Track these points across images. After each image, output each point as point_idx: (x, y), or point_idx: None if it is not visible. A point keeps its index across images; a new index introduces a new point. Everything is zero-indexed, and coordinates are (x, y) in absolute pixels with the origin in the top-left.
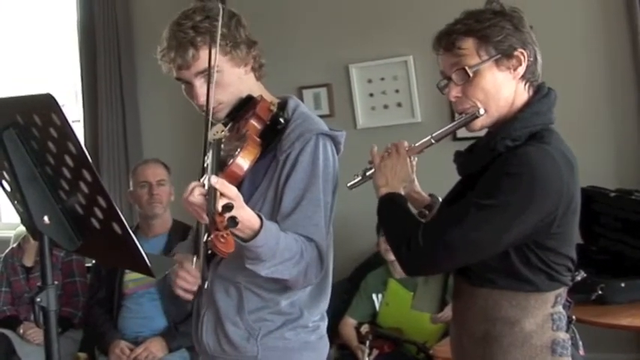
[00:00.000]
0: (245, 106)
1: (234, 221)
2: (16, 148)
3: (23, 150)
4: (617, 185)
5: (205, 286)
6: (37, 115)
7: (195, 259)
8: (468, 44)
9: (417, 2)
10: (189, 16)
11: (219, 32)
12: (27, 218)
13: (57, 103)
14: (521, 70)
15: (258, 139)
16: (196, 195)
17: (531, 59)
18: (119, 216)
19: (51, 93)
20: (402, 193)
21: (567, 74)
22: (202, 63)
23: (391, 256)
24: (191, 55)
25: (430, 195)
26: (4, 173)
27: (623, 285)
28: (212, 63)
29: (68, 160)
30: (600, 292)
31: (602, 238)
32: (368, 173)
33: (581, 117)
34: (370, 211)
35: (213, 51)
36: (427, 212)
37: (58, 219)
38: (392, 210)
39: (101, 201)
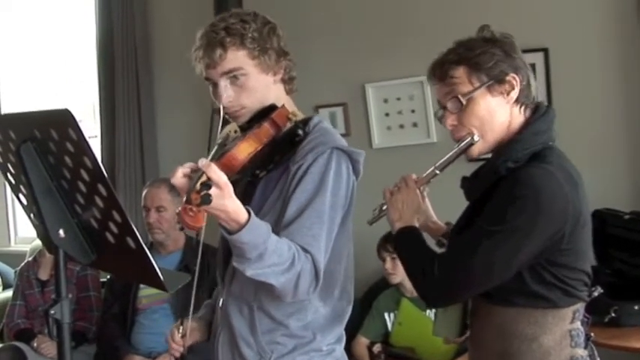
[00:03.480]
0: (266, 113)
1: (208, 198)
2: (34, 161)
3: (40, 164)
4: (632, 207)
5: (219, 303)
6: (55, 129)
7: (182, 327)
8: (460, 73)
9: (433, 23)
10: (224, 18)
11: (249, 35)
12: (43, 231)
13: (74, 119)
14: (514, 94)
15: (263, 139)
16: (179, 177)
17: (524, 83)
18: (133, 231)
19: (68, 108)
20: (417, 225)
21: (581, 96)
22: (228, 63)
23: (395, 280)
24: (218, 54)
25: (447, 223)
26: (22, 187)
27: (636, 308)
28: (235, 64)
29: (84, 174)
30: (614, 315)
31: (615, 260)
32: (384, 208)
33: (596, 139)
34: (381, 232)
35: (239, 52)
36: (445, 241)
37: (73, 233)
38: (407, 244)
39: (116, 216)
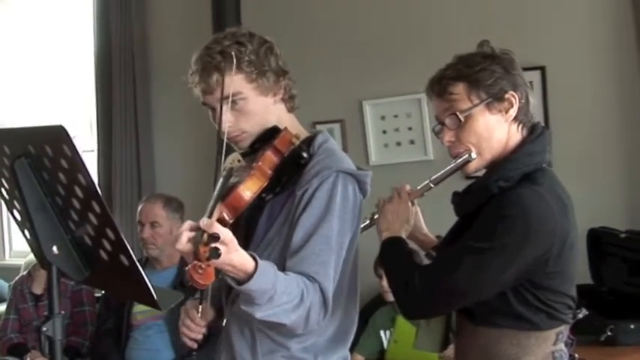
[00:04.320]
0: (269, 137)
1: (216, 252)
2: (27, 177)
3: (34, 180)
4: (628, 226)
5: (223, 323)
6: (49, 145)
7: (201, 307)
8: (459, 89)
9: (432, 40)
10: (219, 40)
11: (245, 58)
12: (36, 247)
13: (68, 135)
14: (513, 112)
15: (268, 171)
16: (184, 242)
17: (523, 101)
18: (127, 249)
19: (63, 125)
20: (404, 236)
21: (578, 114)
22: (226, 88)
23: (391, 297)
24: (215, 79)
25: (437, 236)
26: (15, 202)
27: (632, 327)
28: (232, 90)
29: (78, 191)
30: (610, 334)
31: (611, 279)
32: (375, 217)
33: (592, 157)
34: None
35: (235, 77)
36: (434, 253)
37: (66, 249)
38: (391, 254)
39: (109, 233)
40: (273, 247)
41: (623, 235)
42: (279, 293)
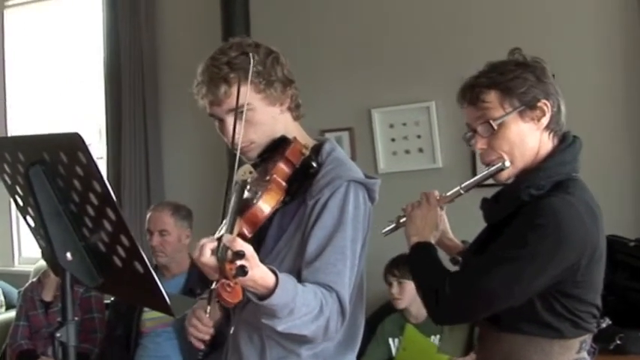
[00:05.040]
0: (278, 147)
1: (243, 270)
2: (42, 184)
3: (49, 186)
4: (638, 235)
5: (230, 331)
6: (64, 153)
7: (209, 307)
8: (492, 97)
9: (440, 48)
10: (225, 51)
11: (252, 69)
12: (49, 254)
13: (84, 142)
14: (545, 120)
15: (283, 184)
16: (207, 255)
17: (555, 109)
18: (141, 255)
19: (78, 132)
20: (433, 241)
21: (589, 122)
22: (234, 100)
23: (400, 305)
24: (223, 91)
25: (463, 241)
26: (29, 209)
27: None
28: (242, 101)
29: (93, 198)
30: (619, 342)
31: (621, 287)
32: (401, 220)
33: (603, 165)
34: (386, 255)
35: (243, 89)
36: (459, 259)
37: (80, 256)
38: (421, 259)
39: (124, 240)
40: (284, 257)
41: (632, 244)
42: (299, 306)
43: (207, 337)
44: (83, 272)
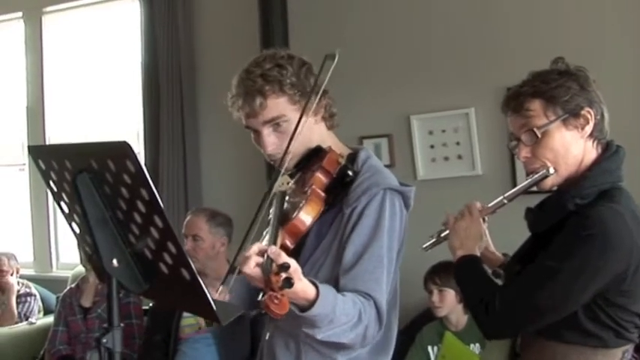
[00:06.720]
0: (314, 156)
1: (289, 282)
2: (89, 191)
3: (96, 194)
4: None
5: (266, 337)
6: (112, 161)
7: (221, 287)
8: (536, 105)
9: (480, 55)
10: (259, 63)
11: (287, 81)
12: (96, 261)
13: (132, 151)
14: (589, 128)
15: (322, 194)
16: (251, 266)
17: (598, 117)
18: (188, 262)
19: (126, 141)
20: (478, 254)
21: (629, 131)
22: (270, 112)
23: (441, 313)
24: (258, 103)
25: (504, 254)
26: (75, 216)
27: None
28: (278, 113)
29: (140, 205)
30: None
31: None
32: (442, 234)
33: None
34: (425, 262)
35: (278, 101)
36: (501, 271)
37: (126, 262)
38: (469, 274)
39: (171, 247)
40: (321, 266)
41: None
42: (338, 315)
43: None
44: (129, 279)
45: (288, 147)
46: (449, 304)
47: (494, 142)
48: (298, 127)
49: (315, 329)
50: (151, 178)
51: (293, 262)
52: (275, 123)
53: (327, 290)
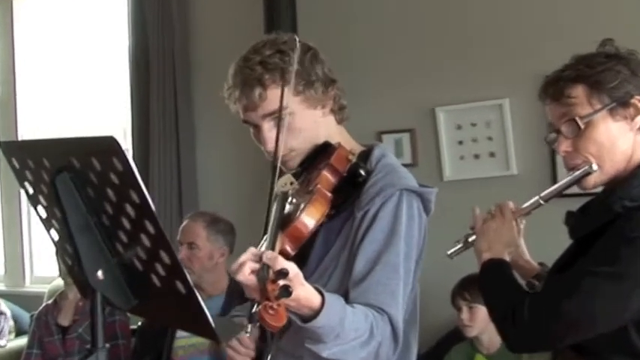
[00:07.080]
0: (321, 154)
1: (287, 290)
2: (70, 194)
3: (77, 196)
4: None
5: (268, 359)
6: (97, 158)
7: (250, 326)
8: (578, 92)
9: (514, 38)
10: (258, 50)
11: (294, 68)
12: (77, 272)
13: (120, 147)
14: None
15: (328, 194)
16: (246, 273)
17: None
18: (184, 274)
19: (114, 136)
20: (507, 259)
21: None
22: (270, 104)
23: (471, 332)
24: (257, 94)
25: (540, 264)
26: (54, 222)
27: None
28: (279, 105)
29: (129, 209)
30: None
31: None
32: (470, 239)
33: None
34: (454, 275)
35: (279, 91)
36: (536, 283)
37: (112, 274)
38: (494, 278)
39: (164, 256)
40: (329, 276)
41: None
42: (347, 329)
43: None
44: (116, 293)
45: (277, 139)
46: (480, 322)
47: (531, 137)
48: (282, 113)
49: (319, 345)
50: (141, 179)
51: (292, 268)
52: (276, 116)
53: (334, 299)
